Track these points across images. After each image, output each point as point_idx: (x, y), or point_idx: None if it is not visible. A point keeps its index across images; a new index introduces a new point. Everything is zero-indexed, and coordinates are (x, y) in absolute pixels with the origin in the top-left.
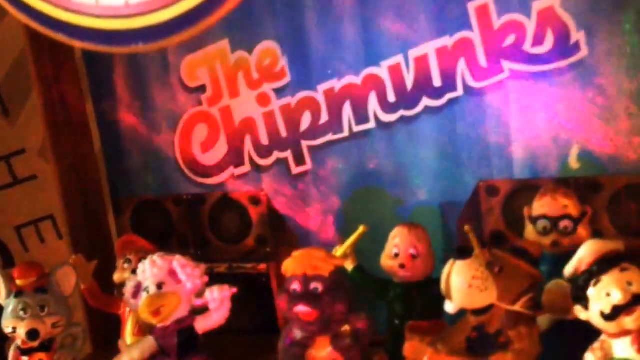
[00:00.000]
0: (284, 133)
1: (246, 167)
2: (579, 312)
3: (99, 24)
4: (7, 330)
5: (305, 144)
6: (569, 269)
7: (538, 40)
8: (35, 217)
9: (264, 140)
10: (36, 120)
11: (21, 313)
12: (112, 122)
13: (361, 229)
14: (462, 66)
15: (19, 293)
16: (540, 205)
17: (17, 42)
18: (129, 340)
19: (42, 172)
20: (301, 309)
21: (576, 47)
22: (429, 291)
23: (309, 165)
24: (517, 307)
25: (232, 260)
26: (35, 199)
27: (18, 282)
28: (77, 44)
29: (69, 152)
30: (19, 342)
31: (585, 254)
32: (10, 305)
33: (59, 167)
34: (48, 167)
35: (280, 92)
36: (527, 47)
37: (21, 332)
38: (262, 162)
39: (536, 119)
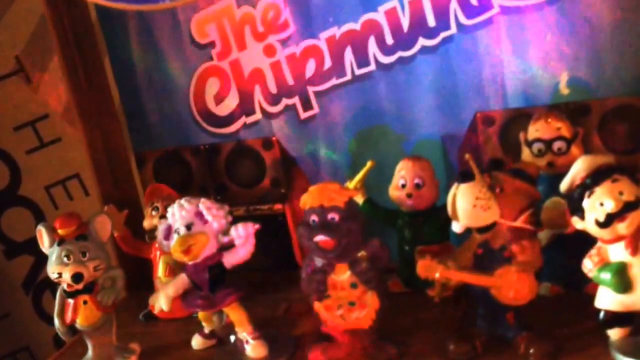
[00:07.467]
0: (290, 81)
1: (257, 116)
2: (576, 223)
3: None
4: (53, 275)
5: (311, 89)
6: (564, 184)
7: None
8: (62, 177)
9: (273, 89)
10: (57, 85)
11: (65, 259)
12: (129, 81)
13: (369, 164)
14: (454, 5)
15: (61, 241)
16: (535, 129)
17: (35, 13)
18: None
19: (66, 134)
20: (320, 238)
21: None
22: (435, 217)
23: (316, 109)
24: (519, 223)
25: (249, 203)
26: (61, 160)
27: (60, 231)
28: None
29: (92, 113)
30: (64, 285)
31: (579, 168)
32: (54, 253)
33: (84, 128)
34: (72, 129)
35: (285, 42)
36: None
37: (66, 277)
38: (272, 109)
39: (527, 51)
